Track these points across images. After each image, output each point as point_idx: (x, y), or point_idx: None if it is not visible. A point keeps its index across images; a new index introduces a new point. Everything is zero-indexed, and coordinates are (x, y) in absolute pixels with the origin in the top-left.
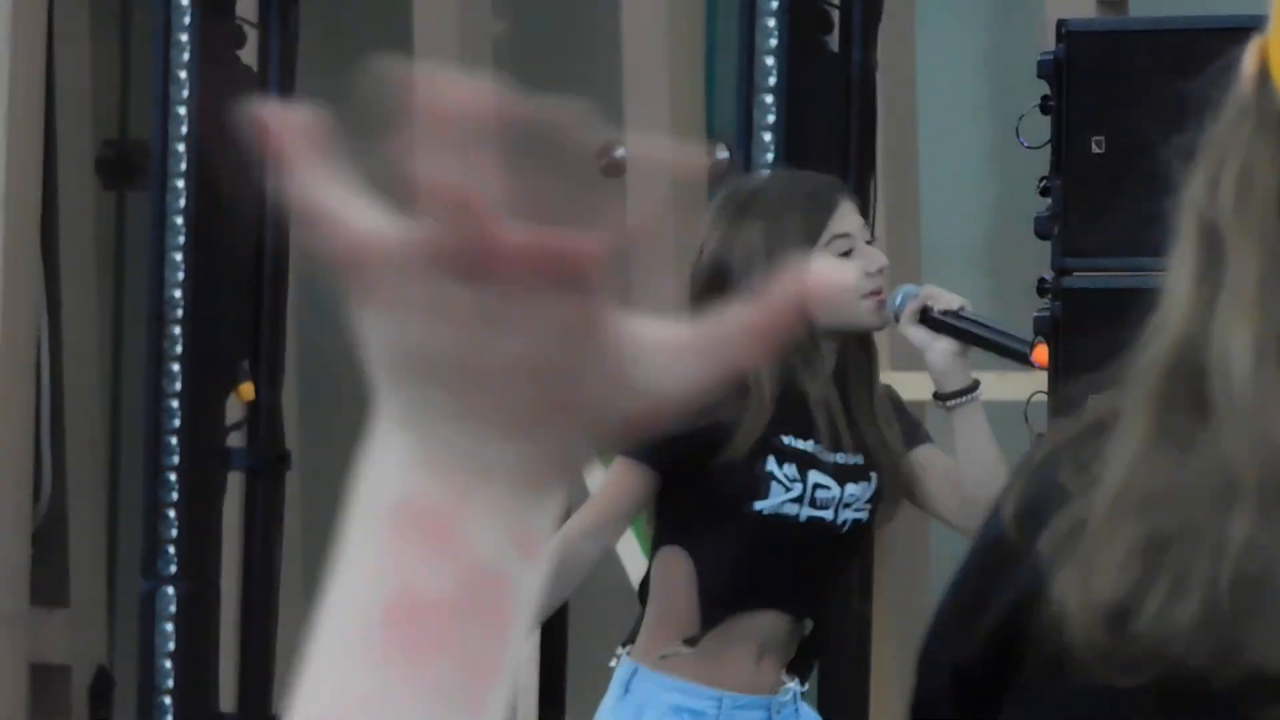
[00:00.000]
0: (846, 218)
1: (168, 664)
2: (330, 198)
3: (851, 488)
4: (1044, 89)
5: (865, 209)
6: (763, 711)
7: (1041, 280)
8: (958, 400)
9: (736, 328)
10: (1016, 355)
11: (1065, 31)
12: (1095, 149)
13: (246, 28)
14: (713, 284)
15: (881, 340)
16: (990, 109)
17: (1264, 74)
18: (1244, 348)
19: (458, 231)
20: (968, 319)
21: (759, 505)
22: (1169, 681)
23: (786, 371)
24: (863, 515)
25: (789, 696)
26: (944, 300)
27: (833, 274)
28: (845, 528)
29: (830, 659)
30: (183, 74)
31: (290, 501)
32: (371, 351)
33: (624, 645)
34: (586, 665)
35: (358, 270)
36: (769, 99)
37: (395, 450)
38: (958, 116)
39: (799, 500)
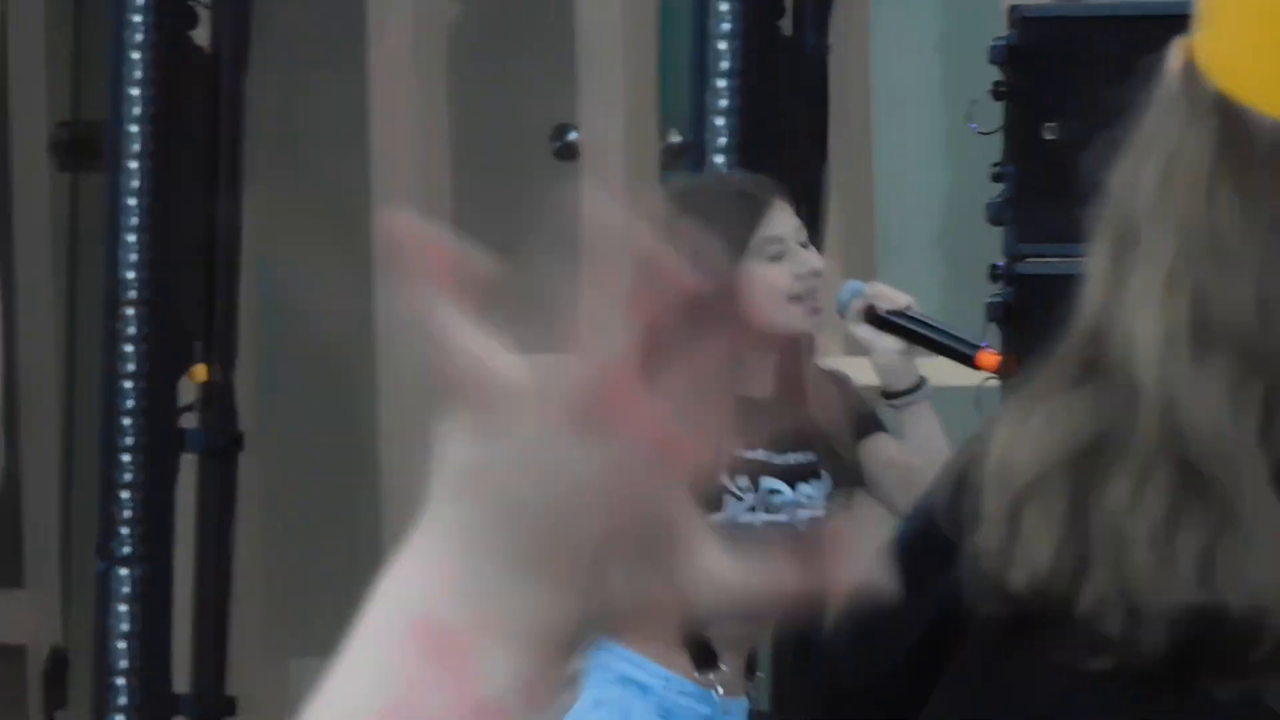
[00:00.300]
0: (778, 221)
1: (123, 645)
2: (455, 320)
3: (804, 487)
4: (997, 74)
5: (820, 195)
6: (707, 708)
7: (994, 266)
8: (904, 400)
9: (782, 579)
10: (962, 357)
11: (1019, 17)
12: (1048, 135)
13: (199, 8)
14: None
15: (836, 327)
16: (944, 94)
17: (1190, 67)
18: (1152, 335)
19: (597, 388)
20: (914, 318)
21: (715, 519)
22: (1121, 665)
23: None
24: (820, 513)
25: (737, 713)
26: (890, 299)
27: (760, 282)
28: (803, 528)
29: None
30: (135, 55)
31: (246, 483)
32: (445, 463)
33: None
34: None
35: (473, 393)
36: (722, 83)
37: (428, 564)
38: (912, 102)
39: (753, 509)
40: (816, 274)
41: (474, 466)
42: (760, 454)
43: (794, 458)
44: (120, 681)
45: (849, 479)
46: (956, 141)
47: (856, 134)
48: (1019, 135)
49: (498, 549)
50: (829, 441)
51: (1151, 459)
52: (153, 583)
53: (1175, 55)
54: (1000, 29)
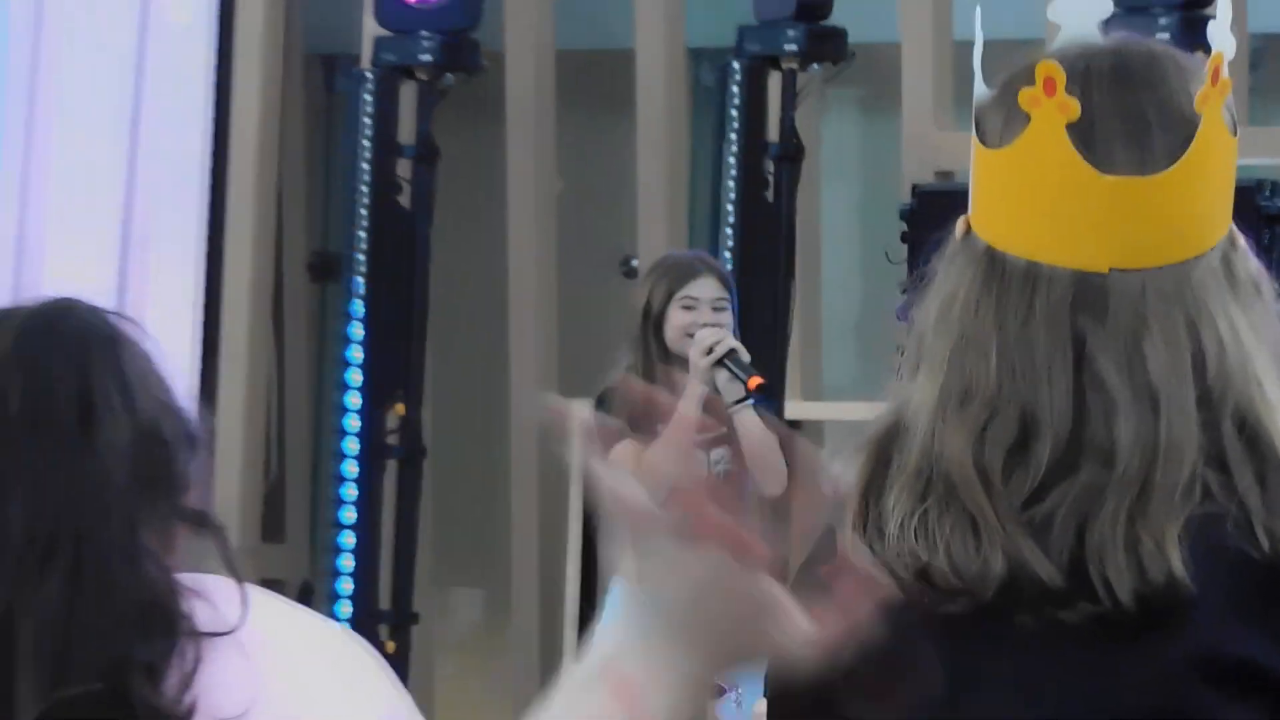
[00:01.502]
0: (700, 285)
1: (346, 579)
2: (616, 478)
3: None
4: (903, 226)
5: (789, 296)
6: None
7: (898, 346)
8: (734, 408)
9: (842, 628)
10: (743, 381)
11: (916, 191)
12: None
13: (403, 182)
14: (639, 326)
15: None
16: (866, 237)
17: (968, 230)
18: (927, 400)
19: (691, 522)
20: (730, 359)
21: None
22: (973, 607)
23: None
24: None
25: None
26: (726, 345)
27: (673, 320)
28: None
29: None
30: (363, 211)
31: (425, 481)
32: (623, 569)
33: None
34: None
35: (632, 527)
36: (729, 231)
37: (616, 634)
38: (847, 241)
39: None
40: (711, 325)
41: (637, 572)
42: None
43: (716, 454)
44: (344, 603)
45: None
46: (876, 266)
47: (810, 260)
48: (914, 265)
49: (656, 624)
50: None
51: (916, 478)
52: (366, 540)
53: (959, 224)
54: (905, 198)
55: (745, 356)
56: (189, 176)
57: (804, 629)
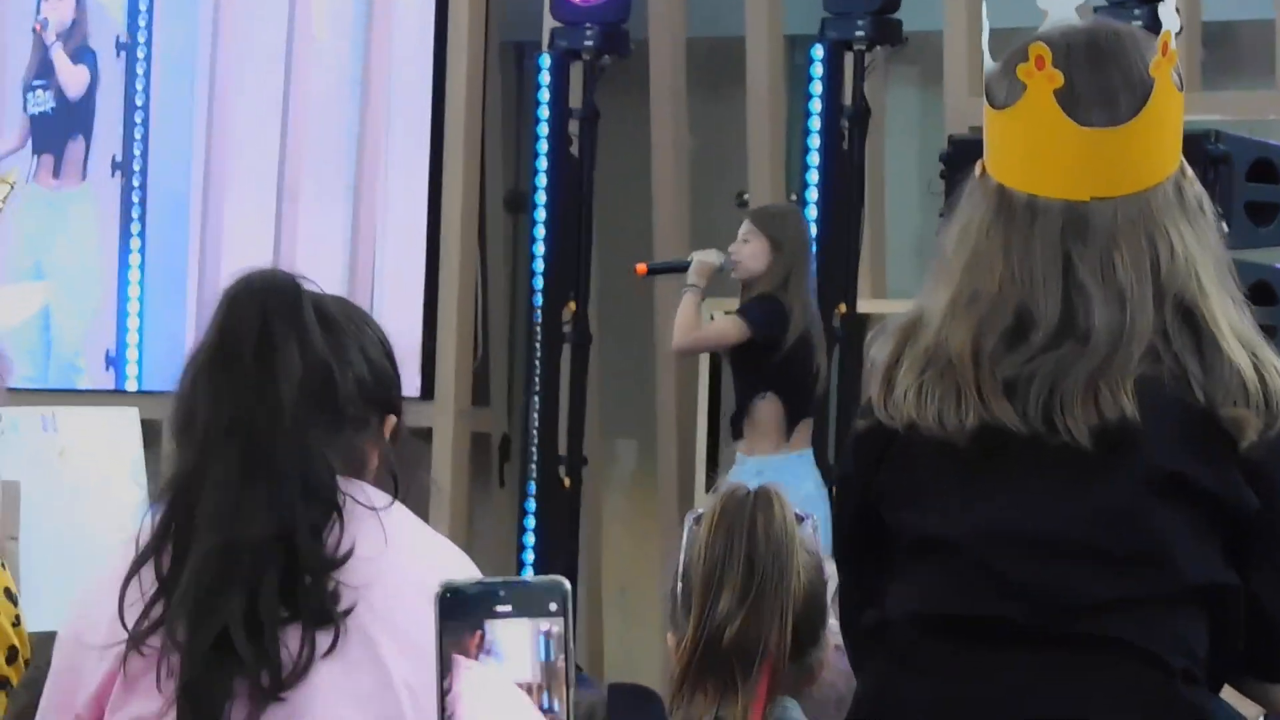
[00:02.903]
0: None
1: (535, 430)
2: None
3: None
4: (941, 167)
5: (857, 222)
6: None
7: None
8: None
9: None
10: (678, 268)
11: (952, 141)
12: None
13: (573, 136)
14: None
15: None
16: (920, 176)
17: (983, 170)
18: (941, 304)
19: None
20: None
21: None
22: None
23: None
24: None
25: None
26: (702, 255)
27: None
28: None
29: None
30: (544, 159)
31: (592, 360)
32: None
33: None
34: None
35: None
36: (816, 173)
37: None
38: (905, 179)
39: None
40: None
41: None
42: None
43: None
44: (532, 450)
45: None
46: (925, 197)
47: (876, 194)
48: (952, 195)
49: None
50: None
51: (923, 357)
52: (548, 403)
53: (977, 167)
54: (945, 147)
55: (685, 263)
56: (417, 135)
57: None
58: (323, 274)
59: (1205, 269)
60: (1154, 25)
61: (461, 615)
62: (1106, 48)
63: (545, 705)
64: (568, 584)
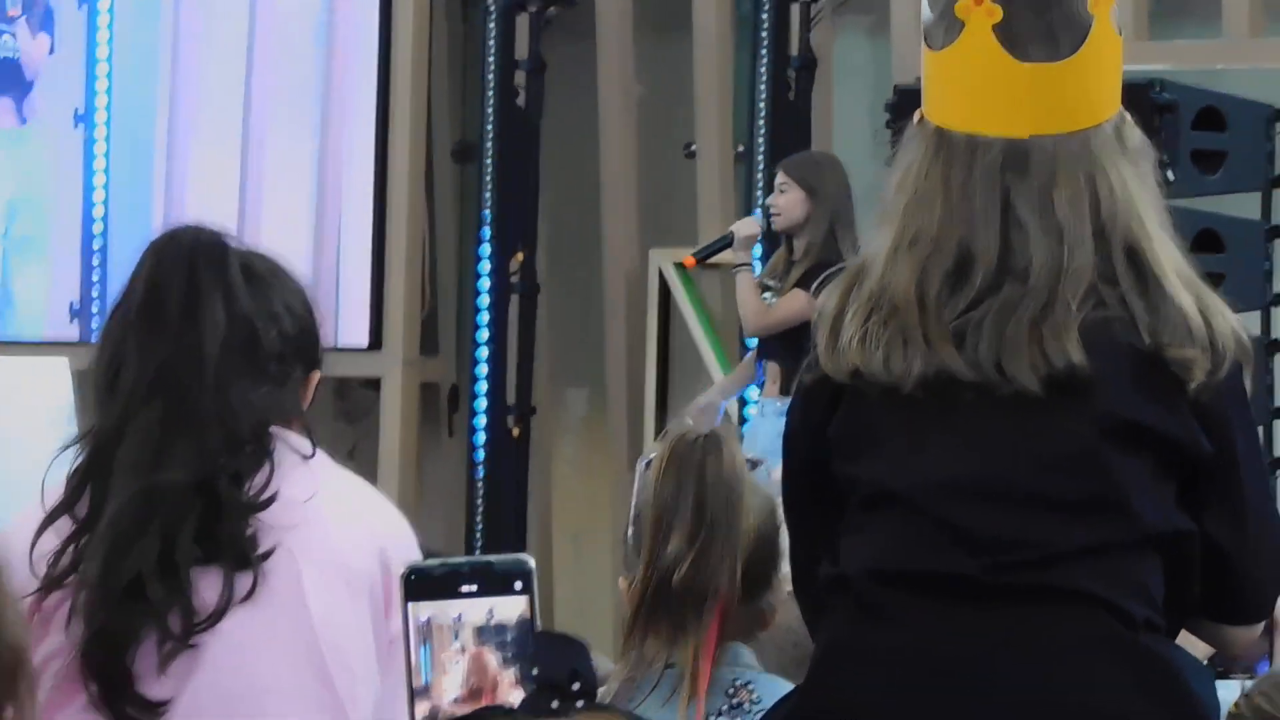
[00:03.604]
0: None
1: (482, 381)
2: None
3: None
4: (887, 115)
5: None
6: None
7: None
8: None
9: None
10: (722, 247)
11: (897, 89)
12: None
13: (519, 89)
14: None
15: None
16: (870, 123)
17: (922, 117)
18: (884, 245)
19: None
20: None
21: None
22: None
23: None
24: None
25: None
26: (742, 228)
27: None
28: None
29: None
30: (490, 109)
31: (540, 309)
32: None
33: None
34: None
35: None
36: (762, 123)
37: None
38: (854, 126)
39: None
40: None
41: None
42: None
43: None
44: (481, 399)
45: None
46: (872, 144)
47: (823, 142)
48: (896, 143)
49: None
50: None
51: (867, 303)
52: (496, 353)
53: (915, 115)
54: (891, 95)
55: (729, 241)
56: (364, 86)
57: None
58: (288, 225)
59: (1147, 211)
60: None
61: (426, 595)
62: None
63: (513, 681)
64: (532, 562)
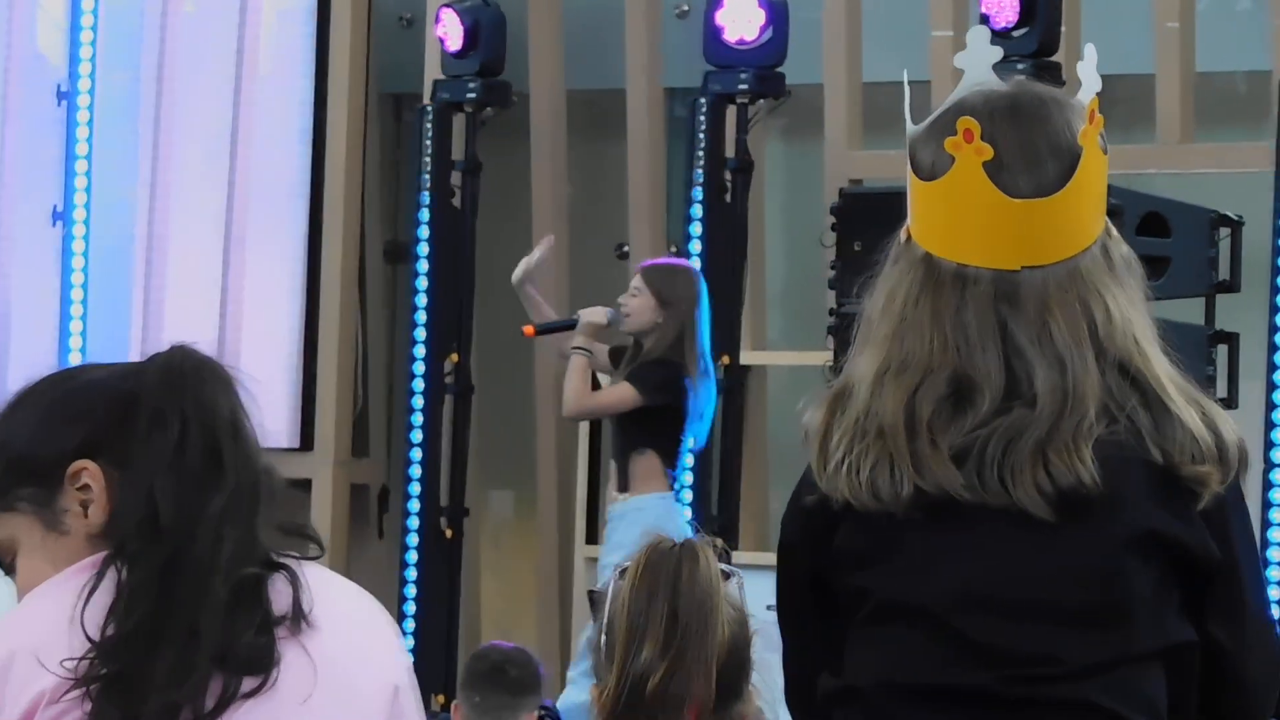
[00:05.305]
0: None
1: (415, 484)
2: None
3: None
4: (831, 219)
5: (739, 275)
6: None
7: (830, 309)
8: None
9: None
10: (565, 327)
11: (842, 193)
12: (856, 247)
13: (455, 188)
14: None
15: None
16: (790, 225)
17: (909, 238)
18: (867, 373)
19: None
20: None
21: None
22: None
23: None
24: None
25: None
26: (589, 315)
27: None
28: None
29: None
30: (424, 210)
31: (474, 411)
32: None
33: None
34: None
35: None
36: (698, 225)
37: None
38: (784, 231)
39: None
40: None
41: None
42: None
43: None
44: (414, 501)
45: None
46: (803, 250)
47: (757, 245)
48: (841, 248)
49: None
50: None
51: (853, 426)
52: (429, 454)
53: (902, 232)
54: (826, 200)
55: (572, 321)
56: (295, 188)
57: None
58: (272, 318)
59: (1141, 330)
60: (1041, 78)
61: None
62: (1031, 112)
63: None
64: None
